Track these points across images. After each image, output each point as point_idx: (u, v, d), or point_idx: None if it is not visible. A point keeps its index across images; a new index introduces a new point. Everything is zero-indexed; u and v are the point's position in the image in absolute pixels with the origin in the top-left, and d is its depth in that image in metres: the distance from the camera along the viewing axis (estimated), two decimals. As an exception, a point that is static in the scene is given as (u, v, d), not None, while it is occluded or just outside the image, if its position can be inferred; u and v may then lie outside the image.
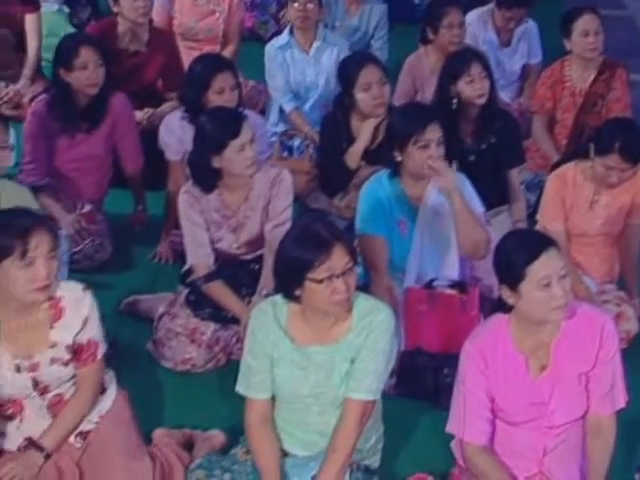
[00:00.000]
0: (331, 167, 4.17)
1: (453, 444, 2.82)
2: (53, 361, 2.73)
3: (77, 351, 2.74)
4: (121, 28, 4.60)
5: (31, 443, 2.73)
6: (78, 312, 2.72)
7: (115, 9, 4.58)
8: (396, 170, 3.46)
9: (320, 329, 2.69)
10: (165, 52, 4.70)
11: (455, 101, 3.96)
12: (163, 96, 4.77)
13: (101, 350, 2.79)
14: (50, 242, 2.60)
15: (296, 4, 4.70)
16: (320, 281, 2.56)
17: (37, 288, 2.60)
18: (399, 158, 3.42)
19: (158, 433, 3.05)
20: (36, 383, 2.73)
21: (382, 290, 3.35)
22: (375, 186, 3.50)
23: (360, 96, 4.04)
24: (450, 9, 4.68)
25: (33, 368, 2.71)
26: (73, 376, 2.79)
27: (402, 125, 3.42)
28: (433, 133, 3.37)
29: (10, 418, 2.78)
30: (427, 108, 3.72)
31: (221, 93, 3.82)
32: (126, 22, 4.58)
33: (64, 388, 2.80)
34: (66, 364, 2.75)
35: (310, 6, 4.71)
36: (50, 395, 2.78)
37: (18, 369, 2.70)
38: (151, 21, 4.73)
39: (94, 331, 2.76)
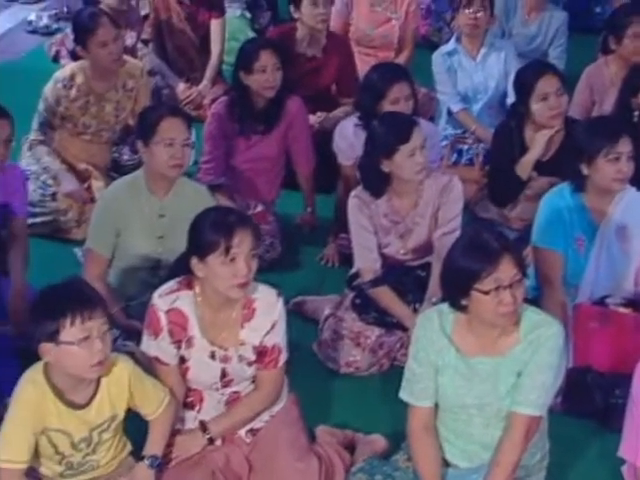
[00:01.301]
0: (502, 177, 4.12)
1: (624, 468, 2.73)
2: (241, 359, 2.83)
3: (261, 353, 2.83)
4: (300, 33, 4.70)
5: (200, 424, 2.87)
6: (269, 316, 2.80)
7: (296, 15, 4.69)
8: (581, 184, 3.38)
9: (486, 340, 2.66)
10: (341, 58, 4.77)
11: (637, 114, 3.83)
12: (337, 101, 4.84)
13: (283, 357, 2.86)
14: (252, 241, 2.70)
15: (467, 11, 4.68)
16: (487, 292, 2.55)
17: (237, 284, 2.69)
18: (586, 172, 3.34)
19: (321, 430, 3.10)
20: (224, 374, 2.84)
21: (555, 305, 3.29)
22: (556, 198, 3.43)
23: (536, 106, 3.96)
24: (636, 18, 4.51)
25: (225, 359, 2.83)
26: (254, 376, 2.88)
27: (592, 138, 3.34)
28: (625, 146, 3.29)
29: (190, 407, 2.90)
30: (617, 121, 3.62)
31: (396, 103, 3.84)
32: (305, 28, 4.67)
33: (243, 386, 2.90)
34: (250, 364, 2.85)
35: (481, 15, 4.69)
36: (230, 390, 2.89)
37: (213, 356, 2.82)
38: (328, 27, 4.80)
39: (280, 337, 2.83)
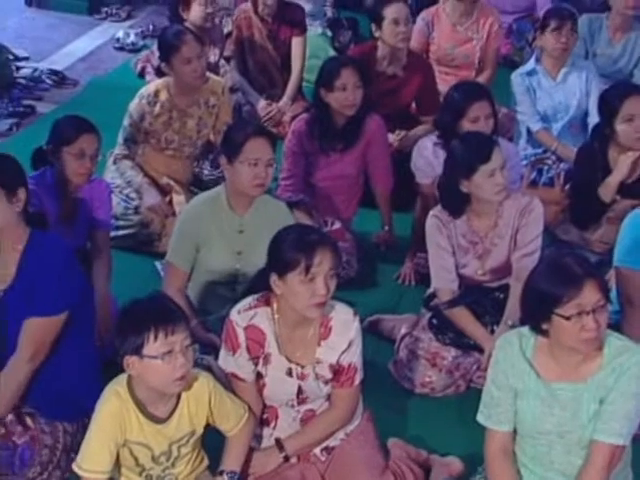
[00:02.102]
0: (584, 199, 4.06)
1: None
2: (317, 377, 2.84)
3: (337, 372, 2.83)
4: (381, 52, 4.71)
5: (276, 442, 2.88)
6: (345, 334, 2.81)
7: (376, 34, 4.69)
8: None
9: (567, 365, 2.62)
10: (422, 76, 4.76)
11: None
12: (416, 119, 4.83)
13: (359, 376, 2.86)
14: (332, 260, 2.70)
15: (557, 35, 4.60)
16: (568, 317, 2.51)
17: (315, 304, 2.70)
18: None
19: (393, 444, 3.08)
20: (300, 391, 2.85)
21: (637, 327, 3.23)
22: (640, 219, 3.39)
23: (621, 127, 3.90)
24: None
25: (302, 376, 2.84)
26: (330, 394, 2.88)
27: None
28: None
29: (265, 423, 2.92)
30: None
31: (475, 121, 3.82)
32: (386, 47, 4.68)
33: (318, 403, 2.91)
34: (326, 382, 2.85)
35: (571, 37, 4.64)
36: (305, 408, 2.90)
37: (290, 373, 2.83)
38: (409, 45, 4.79)
39: (356, 356, 2.83)
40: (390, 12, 4.60)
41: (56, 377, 2.85)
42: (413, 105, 4.87)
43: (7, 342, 2.80)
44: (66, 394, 2.87)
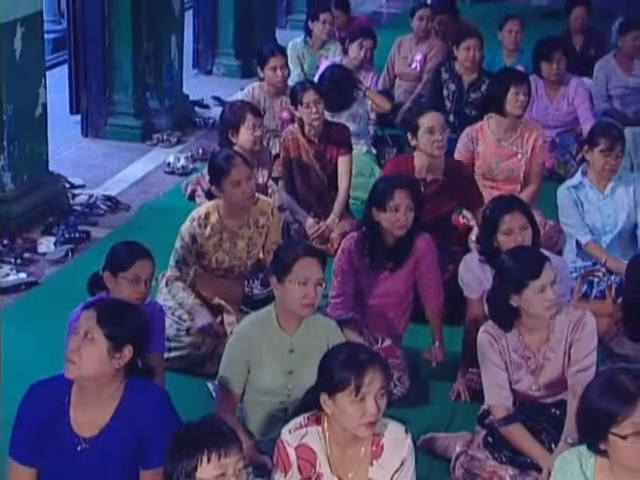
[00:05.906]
0: (637, 311, 4.02)
1: None
2: None
3: None
4: (417, 161, 4.74)
5: None
6: (397, 453, 2.78)
7: (412, 142, 4.76)
8: None
9: (630, 487, 2.56)
10: (461, 178, 4.78)
11: None
12: (457, 229, 4.85)
13: None
14: (382, 380, 2.70)
15: (605, 154, 4.56)
16: (624, 437, 2.47)
17: (366, 423, 2.68)
18: None
19: None
20: None
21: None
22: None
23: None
24: None
25: None
26: None
27: None
28: None
29: None
30: None
31: (509, 234, 3.83)
32: (423, 155, 4.72)
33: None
34: None
35: (620, 160, 4.64)
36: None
37: None
38: (446, 152, 4.79)
39: (409, 475, 2.80)
40: (425, 121, 4.67)
41: None
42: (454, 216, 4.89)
43: None
44: None
